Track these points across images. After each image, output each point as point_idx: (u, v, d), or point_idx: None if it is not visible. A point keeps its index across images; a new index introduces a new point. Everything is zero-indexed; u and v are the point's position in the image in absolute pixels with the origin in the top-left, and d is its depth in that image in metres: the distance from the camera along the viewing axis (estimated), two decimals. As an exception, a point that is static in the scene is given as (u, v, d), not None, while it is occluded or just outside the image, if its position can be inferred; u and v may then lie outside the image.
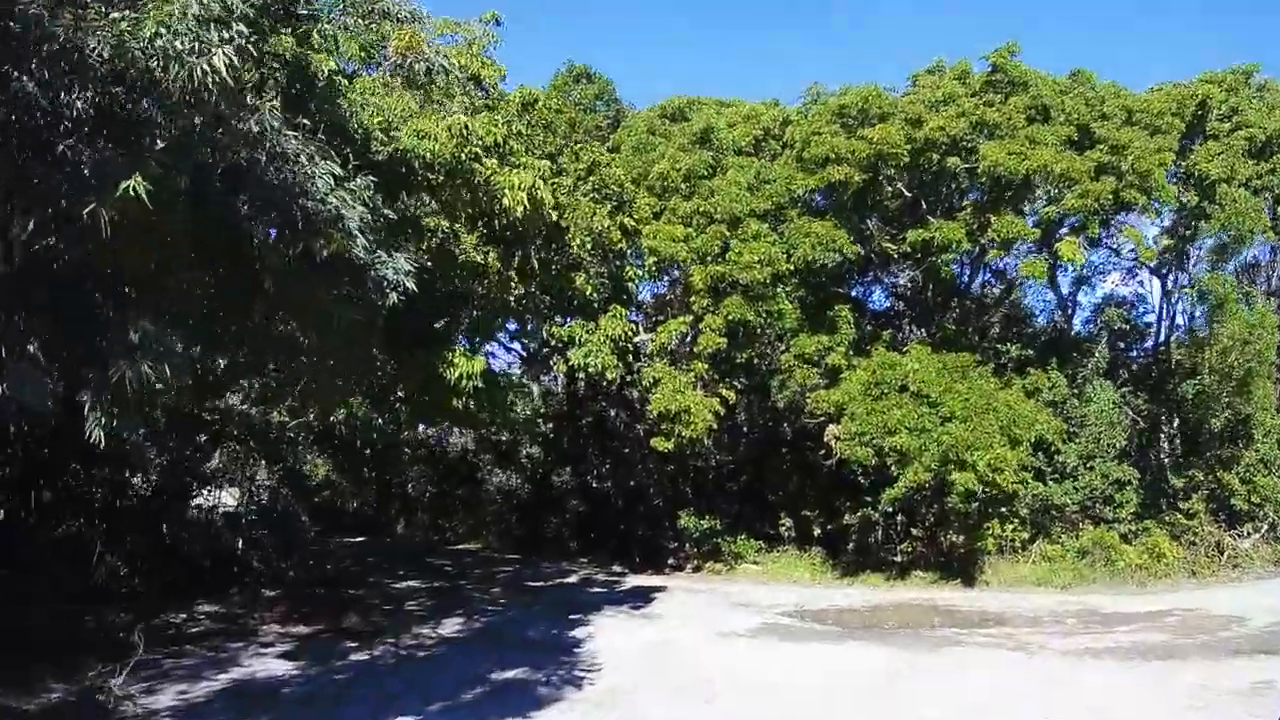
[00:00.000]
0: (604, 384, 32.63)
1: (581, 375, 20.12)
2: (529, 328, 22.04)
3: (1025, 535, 24.31)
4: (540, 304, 19.93)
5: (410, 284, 10.15)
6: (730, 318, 23.08)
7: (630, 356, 20.84)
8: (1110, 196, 23.47)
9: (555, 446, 34.38)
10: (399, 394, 14.90)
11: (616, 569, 27.07)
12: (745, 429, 31.79)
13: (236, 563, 19.34)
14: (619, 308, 20.18)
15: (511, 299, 16.19)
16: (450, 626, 17.38)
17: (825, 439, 24.32)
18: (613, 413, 31.80)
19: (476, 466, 37.35)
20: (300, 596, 18.99)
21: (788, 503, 29.32)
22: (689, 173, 24.80)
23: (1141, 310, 30.09)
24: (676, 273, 24.41)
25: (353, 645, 15.34)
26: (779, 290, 24.02)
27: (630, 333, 20.11)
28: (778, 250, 23.64)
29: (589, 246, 20.16)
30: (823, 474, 27.77)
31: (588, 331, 19.56)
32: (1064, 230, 25.63)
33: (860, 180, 24.43)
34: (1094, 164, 23.77)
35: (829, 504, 28.21)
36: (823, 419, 24.65)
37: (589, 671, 13.97)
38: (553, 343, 21.06)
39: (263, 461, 20.83)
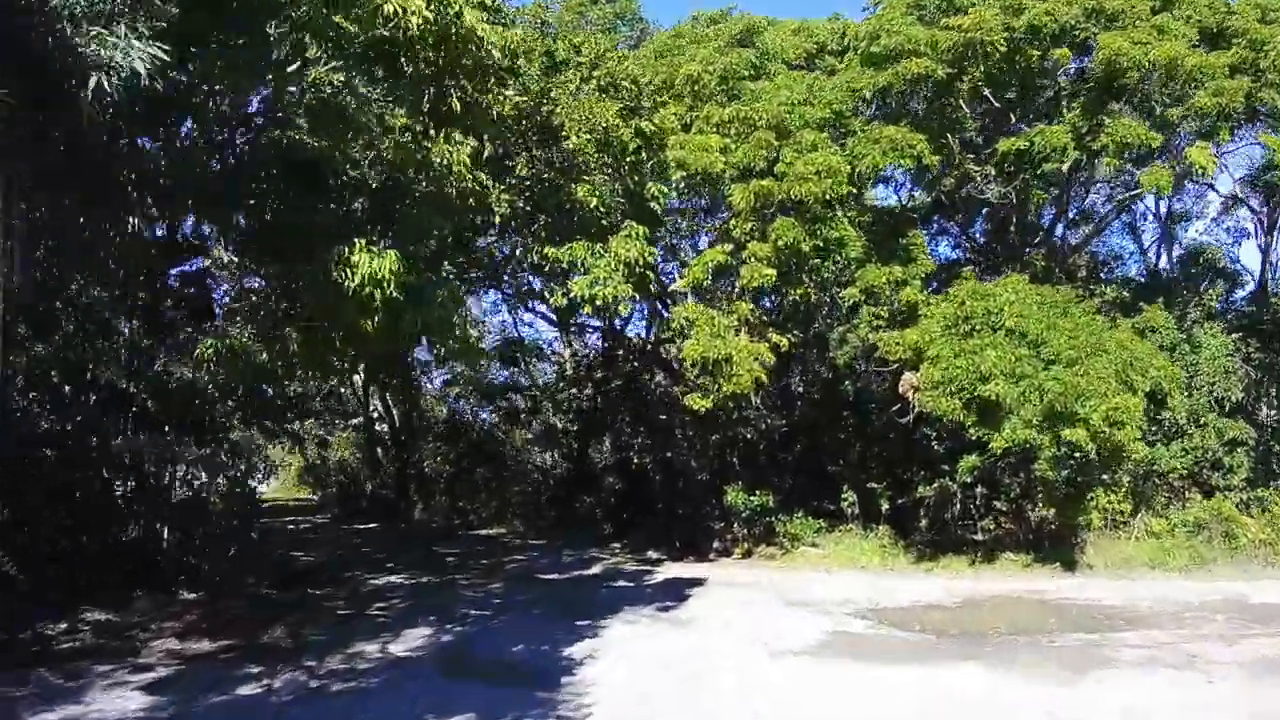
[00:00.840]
0: (638, 341, 28.70)
1: (588, 310, 15.50)
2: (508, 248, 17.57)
3: (1127, 507, 20.48)
4: (517, 210, 15.58)
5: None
6: (781, 243, 18.59)
7: (652, 287, 16.28)
8: (1241, 100, 19.12)
9: (586, 417, 30.22)
10: (284, 312, 10.58)
11: (652, 555, 22.82)
12: (800, 388, 27.31)
13: (148, 556, 15.21)
14: (635, 225, 15.61)
15: (465, 186, 11.67)
16: (409, 640, 13.05)
17: (901, 389, 19.76)
18: (647, 375, 27.59)
19: (501, 442, 33.38)
20: (233, 600, 14.94)
21: (850, 474, 24.85)
22: (726, 74, 20.37)
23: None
24: (713, 193, 19.92)
25: (254, 671, 11.07)
26: (839, 214, 19.53)
27: (651, 257, 15.50)
28: (840, 160, 19.10)
29: (592, 149, 15.80)
30: (892, 439, 24.19)
31: (593, 254, 15.09)
32: (1185, 141, 21.03)
33: (944, 74, 19.77)
34: (1228, 62, 19.53)
35: (897, 475, 24.09)
36: (895, 367, 20.21)
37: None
38: (546, 268, 16.37)
39: (189, 436, 16.54)
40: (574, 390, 30.64)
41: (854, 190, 19.73)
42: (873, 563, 21.23)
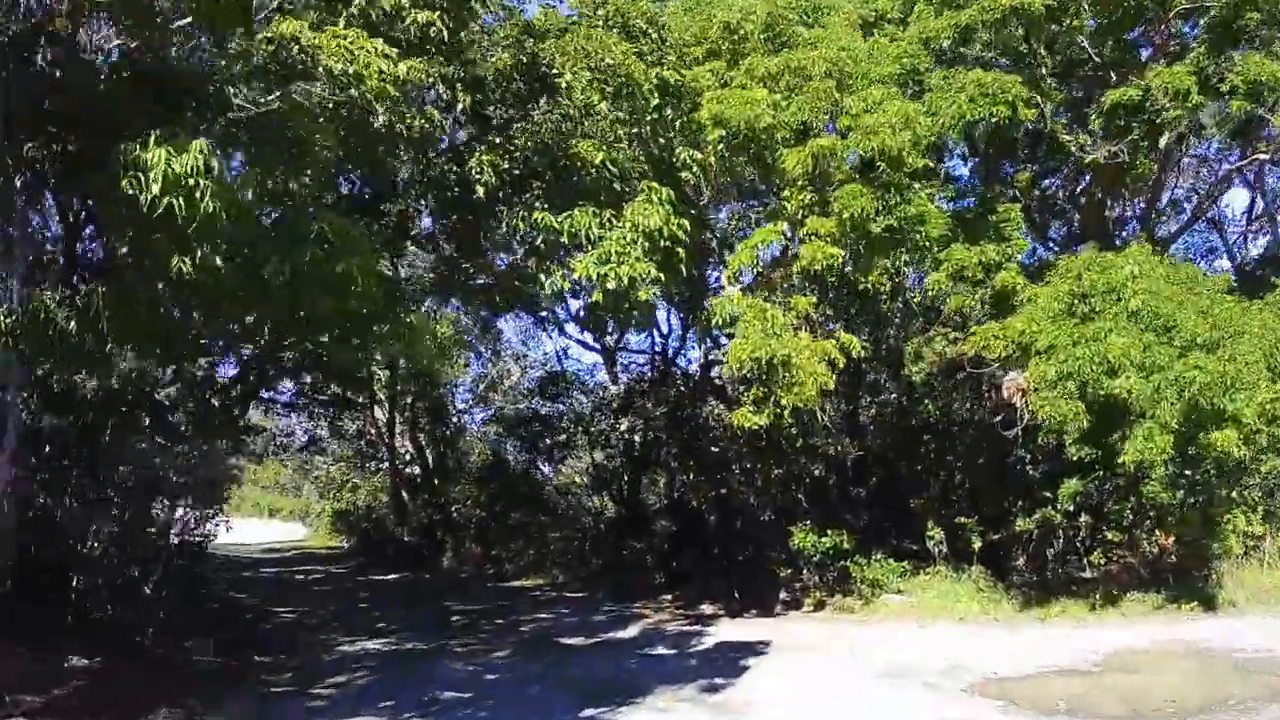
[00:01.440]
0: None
1: (598, 298, 11.60)
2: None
3: (1262, 528, 17.52)
4: (503, 176, 12.02)
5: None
6: (847, 215, 14.99)
7: (684, 268, 12.52)
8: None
9: (635, 452, 26.67)
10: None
11: (706, 610, 19.07)
12: (872, 409, 23.58)
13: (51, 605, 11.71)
14: (656, 187, 11.92)
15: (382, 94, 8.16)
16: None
17: (1006, 394, 15.99)
18: (697, 403, 24.08)
19: (540, 483, 29.87)
20: (149, 667, 11.51)
21: (933, 508, 21.09)
22: (772, 20, 16.87)
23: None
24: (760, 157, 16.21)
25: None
26: (915, 189, 15.96)
27: (679, 229, 11.78)
28: (918, 110, 15.52)
29: (598, 98, 12.30)
30: (981, 465, 20.92)
31: (601, 224, 11.49)
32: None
33: (1042, 6, 16.06)
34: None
35: (989, 506, 20.36)
36: (988, 375, 16.52)
37: None
38: (540, 244, 12.58)
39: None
40: (618, 423, 27.13)
41: (929, 165, 16.18)
42: (971, 611, 17.35)
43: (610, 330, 26.79)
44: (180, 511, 15.58)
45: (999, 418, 17.12)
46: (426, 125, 10.34)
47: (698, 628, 17.08)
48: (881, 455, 22.84)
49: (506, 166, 12.04)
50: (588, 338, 28.48)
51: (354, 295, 8.28)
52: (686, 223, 11.87)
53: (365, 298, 8.75)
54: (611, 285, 11.18)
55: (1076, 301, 15.11)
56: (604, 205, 11.80)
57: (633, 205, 11.63)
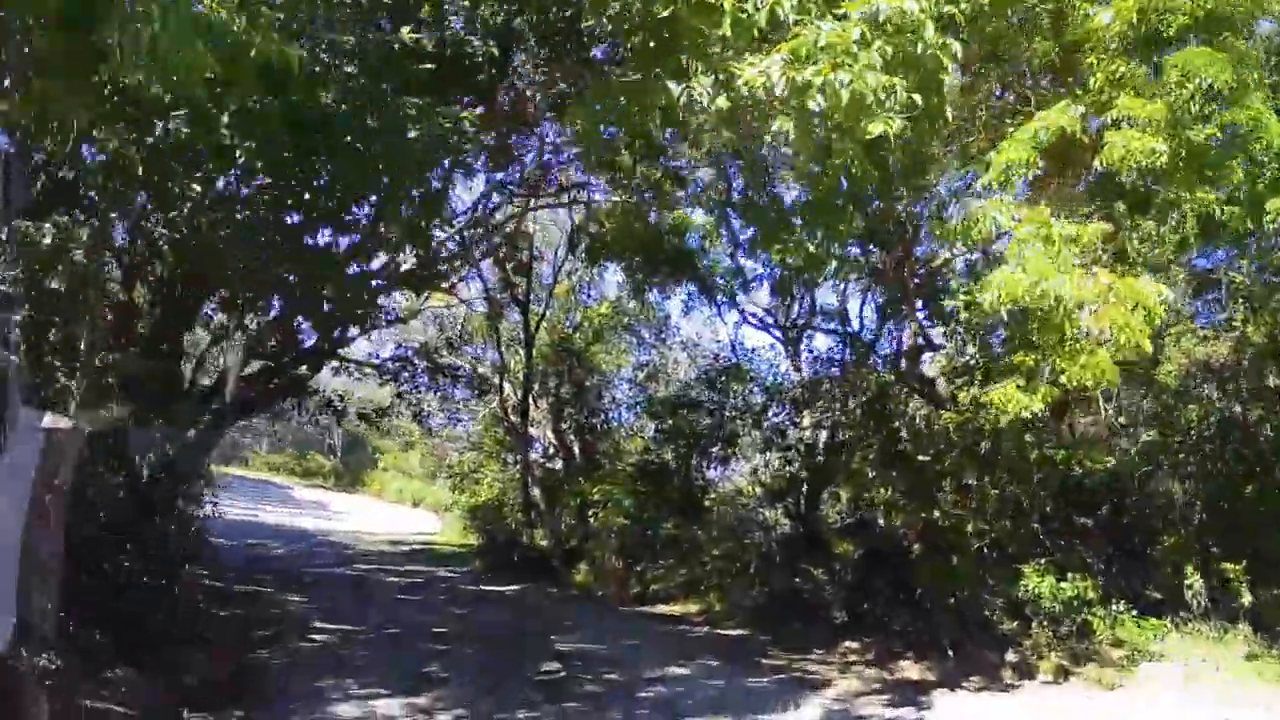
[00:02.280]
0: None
1: (783, 124, 6.49)
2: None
3: None
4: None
5: None
6: (1188, 90, 9.47)
7: (937, 98, 7.17)
8: None
9: (816, 456, 21.38)
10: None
11: (909, 672, 13.87)
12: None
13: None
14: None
15: None
16: None
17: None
18: (900, 397, 18.89)
19: (701, 488, 24.83)
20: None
21: (1185, 545, 16.13)
22: None
23: None
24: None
25: None
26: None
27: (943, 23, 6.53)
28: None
29: None
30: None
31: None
32: None
33: None
34: None
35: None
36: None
37: None
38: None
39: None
40: (798, 417, 21.94)
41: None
42: (1272, 681, 12.43)
43: (798, 294, 22.76)
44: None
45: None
46: None
47: (907, 708, 11.64)
48: (1114, 471, 17.10)
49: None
50: (761, 298, 24.75)
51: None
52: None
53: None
54: (819, 104, 6.00)
55: None
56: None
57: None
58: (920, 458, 17.94)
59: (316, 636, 13.79)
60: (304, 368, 20.05)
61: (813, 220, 11.61)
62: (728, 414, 23.52)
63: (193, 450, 14.48)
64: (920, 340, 19.74)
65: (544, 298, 29.78)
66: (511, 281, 28.19)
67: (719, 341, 29.39)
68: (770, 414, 22.60)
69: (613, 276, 30.94)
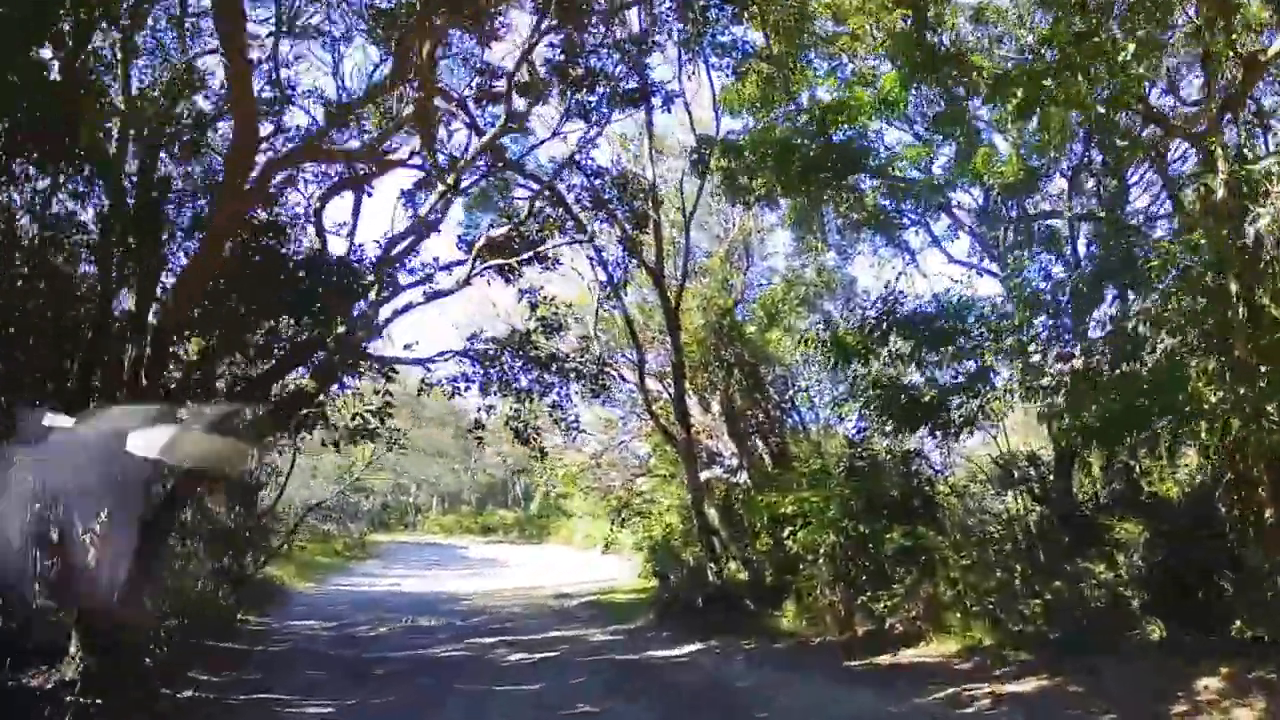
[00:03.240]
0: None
1: None
2: None
3: None
4: None
5: None
6: None
7: None
8: None
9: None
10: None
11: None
12: None
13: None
14: None
15: None
16: None
17: None
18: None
19: (927, 481, 17.91)
20: None
21: None
22: None
23: None
24: None
25: None
26: None
27: None
28: None
29: None
30: None
31: None
32: None
33: None
34: None
35: None
36: None
37: None
38: None
39: None
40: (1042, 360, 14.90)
41: None
42: None
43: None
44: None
45: None
46: None
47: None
48: None
49: None
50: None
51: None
52: None
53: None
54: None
55: None
56: None
57: None
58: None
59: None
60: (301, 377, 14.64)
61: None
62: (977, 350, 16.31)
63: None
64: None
65: (680, 263, 23.21)
66: (634, 243, 21.50)
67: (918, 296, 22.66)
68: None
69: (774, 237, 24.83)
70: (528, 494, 61.46)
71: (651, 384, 23.94)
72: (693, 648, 16.51)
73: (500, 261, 17.99)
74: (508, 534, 58.51)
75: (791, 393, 25.58)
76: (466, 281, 17.38)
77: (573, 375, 18.46)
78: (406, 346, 16.96)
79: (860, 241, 22.13)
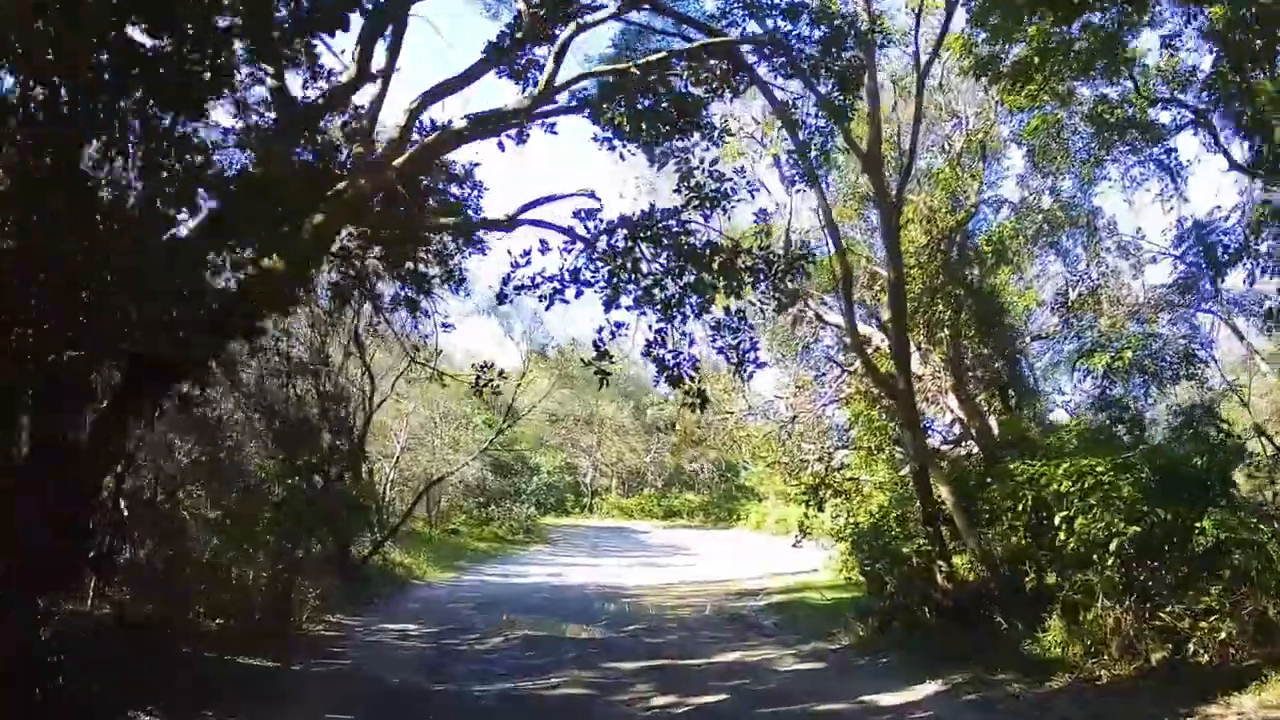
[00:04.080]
0: None
1: None
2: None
3: None
4: None
5: None
6: None
7: None
8: None
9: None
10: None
11: None
12: None
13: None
14: None
15: None
16: None
17: None
18: None
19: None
20: None
21: None
22: None
23: None
24: None
25: None
26: None
27: None
28: None
29: None
30: None
31: None
32: None
33: None
34: None
35: None
36: None
37: None
38: None
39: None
40: None
41: None
42: None
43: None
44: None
45: None
46: None
47: None
48: None
49: None
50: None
51: None
52: None
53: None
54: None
55: None
56: None
57: None
58: None
59: None
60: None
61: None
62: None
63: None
64: None
65: (906, 147, 17.22)
66: (837, 112, 15.45)
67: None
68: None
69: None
70: (722, 474, 57.35)
71: (862, 326, 18.78)
72: (928, 690, 11.55)
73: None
74: (692, 518, 55.50)
75: (1024, 343, 20.62)
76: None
77: (745, 275, 12.65)
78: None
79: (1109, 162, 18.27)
